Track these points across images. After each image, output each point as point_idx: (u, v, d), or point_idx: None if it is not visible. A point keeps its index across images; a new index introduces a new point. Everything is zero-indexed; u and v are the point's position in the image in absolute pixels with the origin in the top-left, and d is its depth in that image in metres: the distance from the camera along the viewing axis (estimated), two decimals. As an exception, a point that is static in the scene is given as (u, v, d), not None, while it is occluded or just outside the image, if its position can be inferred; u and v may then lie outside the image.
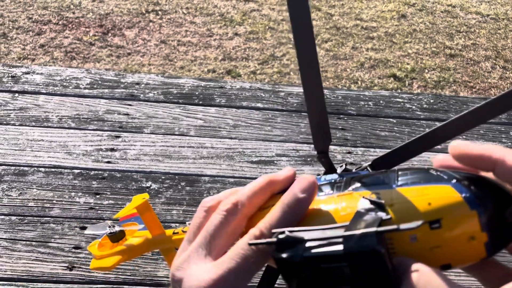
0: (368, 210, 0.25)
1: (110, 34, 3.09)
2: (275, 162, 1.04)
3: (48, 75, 1.20)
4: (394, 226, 0.23)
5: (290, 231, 0.25)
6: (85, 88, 1.17)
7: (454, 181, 0.24)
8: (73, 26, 3.13)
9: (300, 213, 0.26)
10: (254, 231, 0.26)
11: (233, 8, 3.47)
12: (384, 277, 0.23)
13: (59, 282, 0.76)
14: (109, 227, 0.39)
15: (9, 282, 0.74)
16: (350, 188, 0.27)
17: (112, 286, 0.76)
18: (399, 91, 2.64)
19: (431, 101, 1.25)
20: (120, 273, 0.78)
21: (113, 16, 3.24)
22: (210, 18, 3.32)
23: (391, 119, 1.17)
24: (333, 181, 0.28)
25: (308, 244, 0.24)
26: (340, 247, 0.23)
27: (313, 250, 0.24)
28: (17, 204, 0.87)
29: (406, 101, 1.23)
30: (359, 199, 0.26)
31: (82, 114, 1.10)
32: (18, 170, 0.95)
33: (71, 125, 1.07)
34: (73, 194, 0.91)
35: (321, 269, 0.24)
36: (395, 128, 1.15)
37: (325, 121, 0.29)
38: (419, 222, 0.22)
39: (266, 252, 0.25)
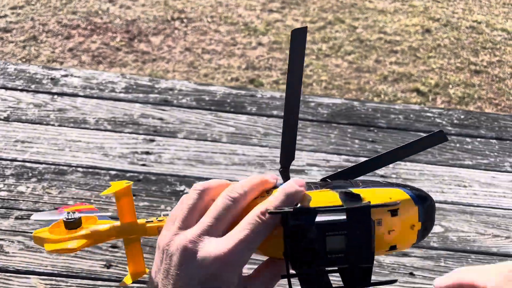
0: (349, 199, 0.32)
1: (136, 40, 3.16)
2: (305, 171, 1.05)
3: (85, 78, 1.24)
4: (384, 203, 0.32)
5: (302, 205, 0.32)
6: (120, 92, 1.21)
7: (401, 187, 0.34)
8: (101, 31, 3.21)
9: (296, 201, 0.32)
10: (260, 207, 0.31)
11: (257, 18, 3.51)
12: (369, 246, 0.30)
13: (97, 279, 0.78)
14: (68, 213, 0.36)
15: (50, 277, 0.77)
16: (324, 189, 0.34)
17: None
18: (429, 105, 2.63)
19: (462, 116, 1.25)
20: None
21: (139, 22, 3.31)
22: (234, 27, 3.36)
23: (421, 133, 1.17)
24: (310, 185, 0.35)
25: (318, 214, 0.31)
26: (343, 217, 0.31)
27: (322, 218, 0.31)
28: (57, 202, 0.90)
29: (436, 116, 1.24)
30: (337, 194, 0.33)
31: (117, 117, 1.13)
32: (57, 169, 0.98)
33: (107, 128, 1.10)
34: (109, 194, 0.93)
35: (325, 237, 0.30)
36: (425, 142, 1.15)
37: (293, 144, 0.36)
38: (398, 202, 0.32)
39: (270, 224, 0.31)
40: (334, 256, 0.31)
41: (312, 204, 0.32)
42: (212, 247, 0.30)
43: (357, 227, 0.30)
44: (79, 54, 3.06)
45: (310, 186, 0.35)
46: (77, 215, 0.36)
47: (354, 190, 0.33)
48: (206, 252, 0.30)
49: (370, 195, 0.33)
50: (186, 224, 0.32)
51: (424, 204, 0.33)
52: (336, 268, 0.31)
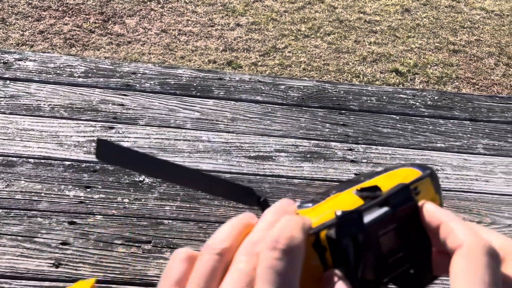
0: (370, 194, 0.26)
1: (110, 22, 3.04)
2: (273, 157, 1.00)
3: (42, 62, 1.16)
4: (414, 179, 0.27)
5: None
6: (79, 77, 1.14)
7: (401, 166, 0.30)
8: (73, 12, 3.09)
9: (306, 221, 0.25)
10: (267, 246, 0.22)
11: (235, -2, 3.42)
12: (424, 233, 0.25)
13: (44, 280, 0.73)
14: None
15: (-7, 278, 0.71)
16: (331, 195, 0.27)
17: (100, 285, 0.73)
18: (402, 86, 2.60)
19: (436, 97, 1.21)
20: (108, 272, 0.75)
21: (114, 4, 3.19)
22: (212, 8, 3.27)
23: (394, 116, 1.13)
24: (310, 199, 0.28)
25: (364, 215, 0.24)
26: (386, 208, 0.25)
27: (369, 218, 0.24)
28: (4, 196, 0.84)
29: (410, 97, 1.20)
30: (351, 194, 0.26)
31: (75, 103, 1.07)
32: (6, 160, 0.91)
33: (64, 115, 1.04)
34: (62, 187, 0.87)
35: (378, 239, 0.24)
36: (398, 125, 1.11)
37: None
38: (423, 176, 0.27)
39: (297, 257, 0.22)
40: (394, 258, 0.25)
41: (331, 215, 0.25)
42: None
43: (404, 215, 0.25)
44: (50, 36, 2.94)
45: (311, 201, 0.27)
46: None
47: (363, 184, 0.27)
48: None
49: (385, 183, 0.26)
50: None
51: (432, 175, 0.28)
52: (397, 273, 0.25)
